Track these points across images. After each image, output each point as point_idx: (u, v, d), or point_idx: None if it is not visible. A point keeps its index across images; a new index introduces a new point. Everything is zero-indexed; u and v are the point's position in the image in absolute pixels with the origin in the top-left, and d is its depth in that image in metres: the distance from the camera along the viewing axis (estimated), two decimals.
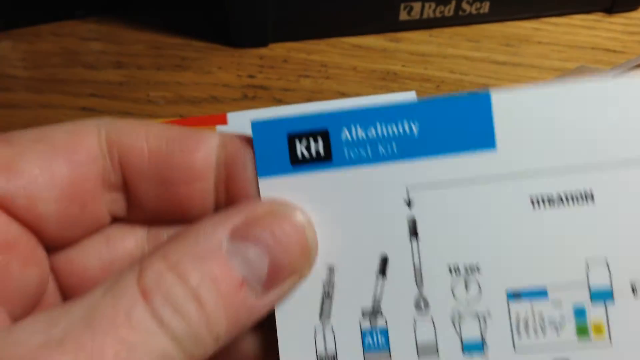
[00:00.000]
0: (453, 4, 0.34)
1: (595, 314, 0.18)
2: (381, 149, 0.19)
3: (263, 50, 0.38)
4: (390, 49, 0.39)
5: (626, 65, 0.31)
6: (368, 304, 0.19)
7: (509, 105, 0.18)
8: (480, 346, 0.18)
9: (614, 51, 0.36)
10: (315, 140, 0.19)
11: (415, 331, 0.19)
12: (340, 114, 0.19)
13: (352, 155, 0.19)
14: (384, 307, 0.19)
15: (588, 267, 0.18)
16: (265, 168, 0.19)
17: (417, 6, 0.33)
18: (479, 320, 0.18)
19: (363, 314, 0.19)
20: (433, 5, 0.34)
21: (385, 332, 0.19)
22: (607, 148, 0.18)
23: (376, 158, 0.19)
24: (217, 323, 0.16)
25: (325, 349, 0.19)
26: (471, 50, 0.38)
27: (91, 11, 0.37)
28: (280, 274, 0.18)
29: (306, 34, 0.36)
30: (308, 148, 0.19)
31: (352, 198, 0.19)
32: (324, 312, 0.19)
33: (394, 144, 0.19)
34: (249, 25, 0.32)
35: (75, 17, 0.37)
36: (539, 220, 0.18)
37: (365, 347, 0.19)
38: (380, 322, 0.19)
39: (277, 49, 0.39)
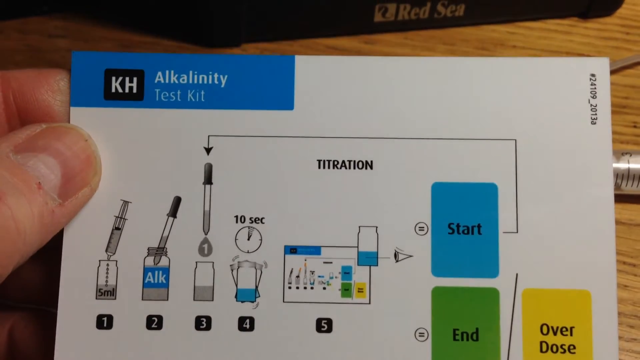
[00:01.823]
0: (428, 6, 0.33)
1: (360, 275, 0.19)
2: (190, 95, 0.20)
3: (235, 51, 0.38)
4: (365, 50, 0.38)
5: (627, 61, 0.33)
6: (155, 242, 0.19)
7: (311, 71, 0.20)
8: (252, 295, 0.19)
9: (588, 56, 0.34)
10: (131, 79, 0.20)
11: (195, 274, 0.19)
12: (157, 57, 0.20)
13: (163, 97, 0.20)
14: (169, 247, 0.19)
15: (360, 233, 0.19)
16: (79, 98, 0.20)
17: (391, 7, 0.33)
18: (256, 270, 0.19)
19: (149, 252, 0.19)
20: (408, 7, 0.33)
21: (166, 271, 0.19)
22: (391, 125, 0.19)
23: (184, 103, 0.20)
24: (22, 216, 0.16)
25: (106, 282, 0.19)
26: (446, 53, 0.38)
27: (57, 7, 0.36)
28: (72, 181, 0.18)
29: (280, 35, 0.35)
30: (122, 85, 0.20)
31: (156, 138, 0.20)
32: (111, 245, 0.19)
33: (202, 92, 0.20)
34: (222, 25, 0.32)
35: (41, 13, 0.36)
36: (323, 181, 0.19)
37: (146, 284, 0.19)
38: (163, 262, 0.19)
39: (250, 49, 0.38)
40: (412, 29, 0.36)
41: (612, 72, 0.33)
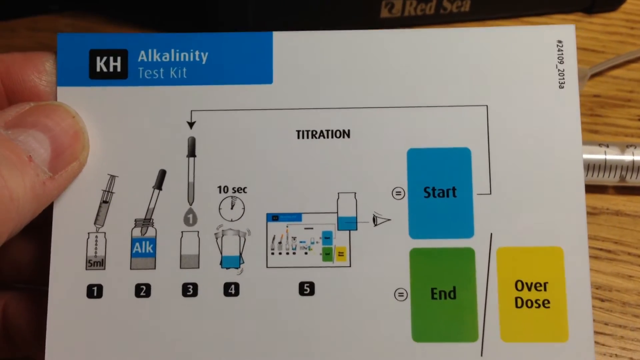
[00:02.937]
0: (434, 2, 0.34)
1: (340, 239, 0.20)
2: (172, 72, 0.20)
3: None
4: None
5: (631, 55, 0.33)
6: (142, 214, 0.20)
7: (289, 46, 0.20)
8: (237, 261, 0.20)
9: (594, 51, 0.35)
10: (115, 58, 0.20)
11: (181, 243, 0.20)
12: (140, 36, 0.20)
13: (146, 75, 0.20)
14: (155, 218, 0.20)
15: (339, 199, 0.20)
16: (65, 78, 0.20)
17: (398, 3, 0.33)
18: (239, 238, 0.20)
19: (136, 223, 0.20)
20: (414, 3, 0.33)
21: (153, 241, 0.20)
22: (367, 95, 0.20)
23: (167, 80, 0.20)
24: (15, 186, 0.17)
25: (96, 253, 0.20)
26: None
27: (68, 5, 0.37)
28: (62, 155, 0.19)
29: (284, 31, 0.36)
30: (107, 64, 0.20)
31: (141, 114, 0.20)
32: (99, 218, 0.20)
33: (184, 69, 0.20)
34: (228, 24, 0.33)
35: (51, 11, 0.37)
36: (303, 150, 0.20)
37: (133, 254, 0.20)
38: (150, 232, 0.20)
39: None
40: (418, 25, 0.36)
41: (617, 66, 0.33)
